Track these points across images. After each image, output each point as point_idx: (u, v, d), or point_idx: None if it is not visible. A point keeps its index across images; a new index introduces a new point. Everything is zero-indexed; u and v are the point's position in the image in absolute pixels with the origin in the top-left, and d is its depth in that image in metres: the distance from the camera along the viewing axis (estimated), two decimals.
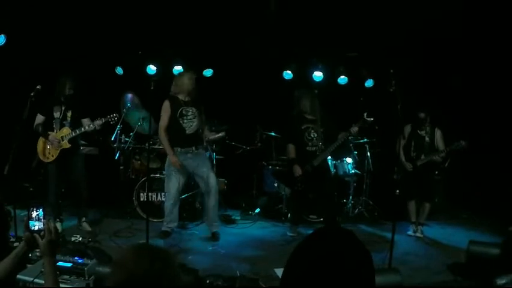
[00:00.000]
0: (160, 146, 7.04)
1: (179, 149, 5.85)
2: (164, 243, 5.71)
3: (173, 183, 5.91)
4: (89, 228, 6.05)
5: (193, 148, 5.89)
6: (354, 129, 5.92)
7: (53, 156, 5.88)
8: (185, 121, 5.83)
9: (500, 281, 2.92)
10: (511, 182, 6.77)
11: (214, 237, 5.98)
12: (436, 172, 6.72)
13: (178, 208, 6.09)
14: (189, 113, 5.84)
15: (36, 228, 2.26)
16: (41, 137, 5.93)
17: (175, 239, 5.94)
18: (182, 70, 7.20)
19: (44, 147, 5.92)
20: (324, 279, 1.31)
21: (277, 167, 7.46)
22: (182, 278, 3.86)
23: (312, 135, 6.13)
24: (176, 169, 5.86)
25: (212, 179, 5.96)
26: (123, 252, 1.79)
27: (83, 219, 6.12)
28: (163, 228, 6.02)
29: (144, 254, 1.70)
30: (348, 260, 1.34)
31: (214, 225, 6.07)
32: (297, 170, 6.06)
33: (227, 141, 7.35)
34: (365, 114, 5.70)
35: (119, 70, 7.85)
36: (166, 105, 5.84)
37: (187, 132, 5.83)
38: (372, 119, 5.72)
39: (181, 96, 5.88)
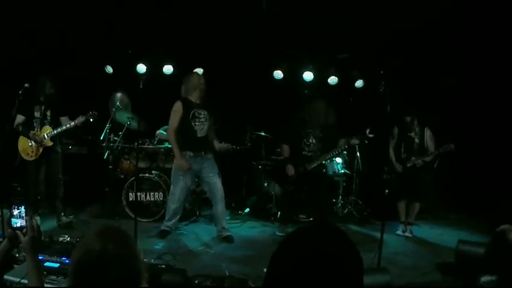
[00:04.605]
0: (149, 145, 7.02)
1: (189, 153, 5.80)
2: (153, 243, 5.69)
3: (179, 186, 5.87)
4: (68, 220, 6.17)
5: (202, 152, 5.85)
6: (354, 141, 5.92)
7: (36, 154, 6.00)
8: (197, 123, 5.75)
9: (484, 279, 2.94)
10: (502, 182, 6.83)
11: (228, 240, 5.90)
12: (426, 172, 6.76)
13: (181, 210, 6.10)
14: (201, 116, 5.77)
15: (18, 225, 2.28)
16: (21, 136, 6.00)
17: (164, 238, 5.91)
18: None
19: (26, 146, 5.99)
20: (309, 279, 1.28)
21: (268, 166, 7.46)
22: (172, 278, 3.84)
23: (311, 141, 6.11)
24: (183, 173, 5.82)
25: (218, 184, 5.91)
26: (90, 232, 1.80)
27: (62, 214, 6.21)
28: (162, 227, 6.02)
29: (100, 235, 1.71)
30: (335, 259, 1.31)
31: (224, 231, 5.99)
32: (290, 170, 6.05)
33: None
34: (368, 130, 5.68)
35: (109, 69, 7.80)
36: (178, 106, 5.74)
37: (198, 135, 5.77)
38: (373, 136, 5.69)
39: (192, 98, 5.79)
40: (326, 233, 1.38)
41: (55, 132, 5.98)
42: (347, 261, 1.32)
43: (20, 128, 5.94)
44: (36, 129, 6.00)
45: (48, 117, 6.05)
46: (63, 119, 6.11)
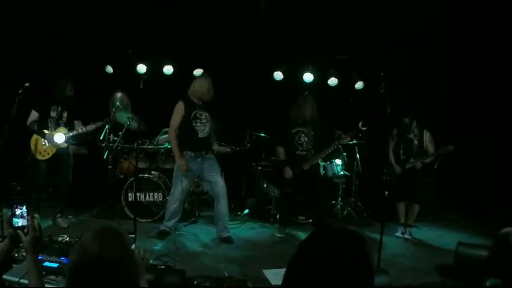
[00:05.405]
0: (148, 145, 7.01)
1: (190, 153, 5.82)
2: (152, 243, 5.68)
3: (180, 187, 5.88)
4: (64, 225, 6.17)
5: (204, 152, 5.86)
6: (347, 139, 5.94)
7: (49, 154, 6.02)
8: (198, 124, 5.77)
9: (490, 283, 2.94)
10: (502, 183, 6.83)
11: (228, 241, 5.89)
12: (425, 174, 6.76)
13: (180, 211, 6.10)
14: (203, 117, 5.80)
15: (19, 224, 2.28)
16: (35, 135, 6.00)
17: (163, 239, 5.91)
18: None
19: (39, 145, 6.00)
20: (327, 280, 1.30)
21: (267, 168, 7.46)
22: (171, 279, 3.84)
23: (303, 140, 6.12)
24: (184, 174, 5.83)
25: (220, 183, 5.90)
26: (87, 233, 1.77)
27: (58, 215, 6.24)
28: (161, 228, 6.03)
29: (97, 238, 1.69)
30: (347, 260, 1.33)
31: (225, 231, 5.97)
32: (287, 172, 6.06)
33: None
34: (360, 124, 5.70)
35: (109, 69, 7.80)
36: (180, 106, 5.79)
37: (199, 135, 5.79)
38: (365, 129, 5.73)
39: (195, 99, 5.83)
40: (344, 236, 1.41)
41: (70, 134, 6.04)
42: (361, 264, 1.35)
43: (35, 127, 5.97)
44: (50, 129, 6.03)
45: (64, 119, 6.10)
46: (76, 122, 6.17)
